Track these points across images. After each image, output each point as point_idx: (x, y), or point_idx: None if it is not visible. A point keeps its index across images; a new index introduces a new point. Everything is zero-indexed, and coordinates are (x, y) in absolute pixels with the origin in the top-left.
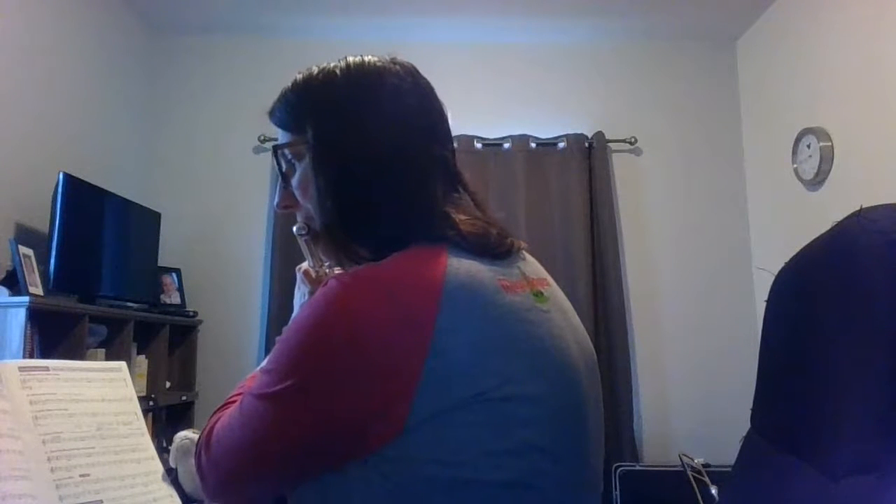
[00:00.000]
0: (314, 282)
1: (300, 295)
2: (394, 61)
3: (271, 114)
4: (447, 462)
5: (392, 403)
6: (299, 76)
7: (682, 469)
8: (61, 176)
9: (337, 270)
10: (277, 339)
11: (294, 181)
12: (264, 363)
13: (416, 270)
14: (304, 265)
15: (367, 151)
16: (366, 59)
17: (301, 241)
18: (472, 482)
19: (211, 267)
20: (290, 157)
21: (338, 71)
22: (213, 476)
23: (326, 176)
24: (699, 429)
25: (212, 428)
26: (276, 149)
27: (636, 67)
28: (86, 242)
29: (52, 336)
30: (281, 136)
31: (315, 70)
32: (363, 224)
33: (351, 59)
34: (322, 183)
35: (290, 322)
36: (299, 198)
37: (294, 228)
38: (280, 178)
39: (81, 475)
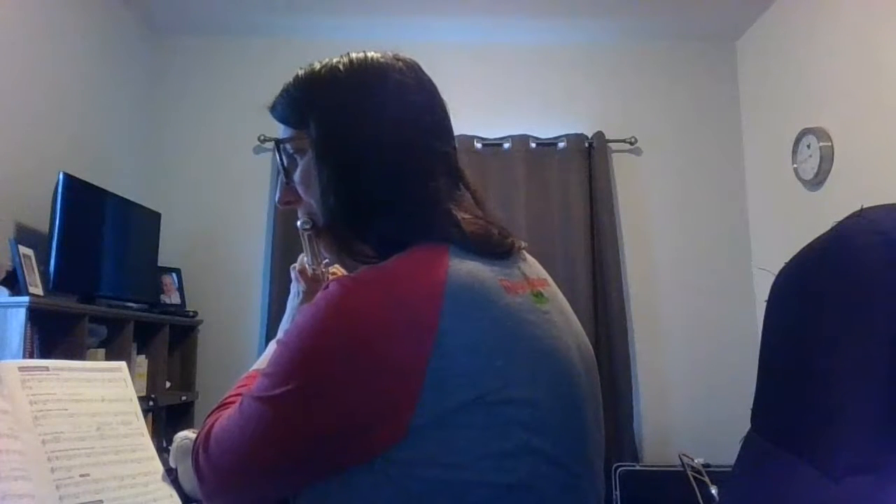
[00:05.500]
0: (309, 281)
1: (294, 294)
2: (396, 57)
3: (273, 108)
4: (450, 464)
5: (396, 406)
6: (301, 71)
7: (682, 469)
8: (61, 176)
9: (334, 268)
10: (275, 341)
11: (296, 176)
12: (265, 366)
13: (418, 272)
14: (298, 264)
15: (370, 147)
16: (369, 54)
17: (304, 237)
18: (475, 484)
19: (211, 267)
20: (291, 152)
21: (341, 66)
22: (211, 478)
23: (329, 171)
24: (699, 429)
25: (210, 429)
26: (278, 143)
27: (636, 67)
28: (86, 242)
29: (52, 336)
30: (282, 130)
31: (317, 65)
32: (366, 220)
33: (354, 54)
34: (324, 178)
35: (292, 325)
36: (301, 193)
37: (298, 223)
38: (282, 174)
39: (81, 475)
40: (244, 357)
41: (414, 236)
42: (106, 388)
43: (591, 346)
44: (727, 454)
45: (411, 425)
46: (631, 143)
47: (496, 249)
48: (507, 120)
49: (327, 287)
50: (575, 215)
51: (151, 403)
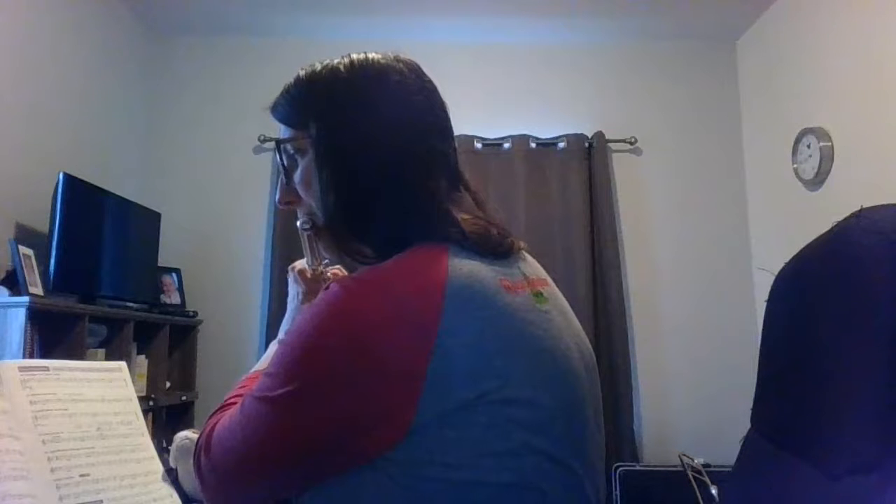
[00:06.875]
0: (309, 281)
1: (293, 295)
2: (397, 58)
3: (273, 108)
4: (451, 463)
5: (398, 406)
6: (302, 72)
7: (682, 469)
8: (61, 176)
9: (333, 268)
10: (276, 341)
11: (296, 176)
12: (267, 366)
13: (419, 272)
14: (298, 264)
15: (370, 147)
16: (369, 55)
17: (303, 237)
18: (476, 483)
19: (211, 267)
20: (292, 152)
21: (341, 67)
22: (213, 478)
23: (329, 172)
24: (699, 429)
25: (212, 429)
26: (278, 144)
27: (636, 67)
28: (86, 242)
29: (52, 336)
30: (283, 130)
31: (318, 66)
32: (366, 220)
33: (355, 55)
34: (325, 178)
35: (293, 326)
36: (301, 193)
37: (298, 223)
38: (282, 174)
39: (81, 475)
40: (244, 357)
41: (414, 236)
42: (106, 388)
43: (591, 346)
44: (727, 454)
45: (412, 425)
46: (631, 143)
47: (496, 249)
48: (507, 120)
49: (328, 288)
50: (575, 215)
51: (151, 403)
